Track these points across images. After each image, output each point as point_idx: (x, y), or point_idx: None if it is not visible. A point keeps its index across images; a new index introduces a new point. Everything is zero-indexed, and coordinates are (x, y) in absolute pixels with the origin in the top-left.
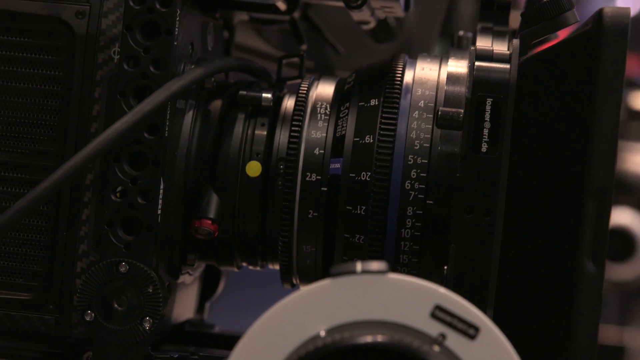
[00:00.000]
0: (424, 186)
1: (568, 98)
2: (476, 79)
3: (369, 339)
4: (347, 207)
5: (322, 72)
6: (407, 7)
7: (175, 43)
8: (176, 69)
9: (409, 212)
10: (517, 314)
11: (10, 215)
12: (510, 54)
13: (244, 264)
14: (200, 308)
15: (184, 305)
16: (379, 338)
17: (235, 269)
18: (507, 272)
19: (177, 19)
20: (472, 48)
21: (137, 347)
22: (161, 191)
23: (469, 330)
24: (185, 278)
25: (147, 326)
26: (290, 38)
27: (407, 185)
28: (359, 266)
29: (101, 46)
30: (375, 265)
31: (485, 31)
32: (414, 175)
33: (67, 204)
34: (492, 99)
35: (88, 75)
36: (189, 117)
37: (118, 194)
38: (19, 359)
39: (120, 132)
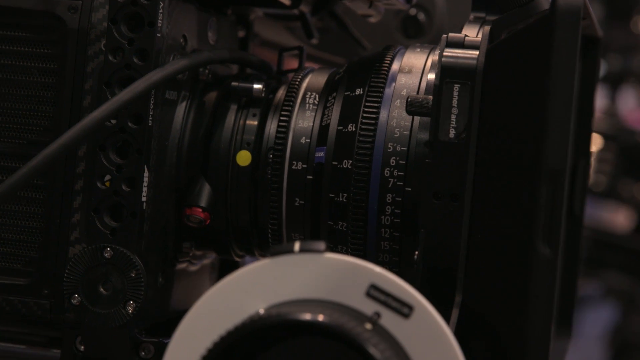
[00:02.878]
0: (402, 173)
1: (528, 83)
2: (443, 65)
3: (302, 316)
4: (330, 195)
5: None
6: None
7: (159, 35)
8: (163, 60)
9: (389, 199)
10: (484, 298)
11: None
12: (480, 41)
13: (242, 253)
14: None
15: (189, 293)
16: (312, 316)
17: (236, 258)
18: (475, 257)
19: (161, 11)
20: (444, 36)
21: (122, 330)
22: (146, 179)
23: (403, 309)
24: (186, 266)
25: (129, 309)
26: (322, 35)
27: (387, 173)
28: (297, 245)
29: (92, 39)
30: (313, 244)
31: (477, 20)
32: (393, 162)
33: (60, 193)
34: (459, 85)
35: (80, 67)
36: (181, 108)
37: (107, 183)
38: (20, 343)
39: (98, 120)
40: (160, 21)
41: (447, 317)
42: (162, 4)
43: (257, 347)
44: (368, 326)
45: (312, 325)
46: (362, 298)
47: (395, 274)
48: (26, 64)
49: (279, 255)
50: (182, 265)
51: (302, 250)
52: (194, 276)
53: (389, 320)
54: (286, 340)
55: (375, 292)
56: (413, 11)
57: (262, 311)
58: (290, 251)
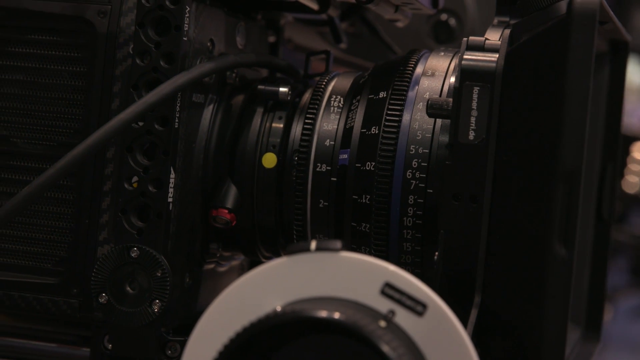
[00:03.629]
0: (424, 175)
1: (546, 85)
2: (463, 68)
3: (318, 314)
4: (354, 197)
5: None
6: (434, 4)
7: (185, 38)
8: (190, 63)
9: (411, 201)
10: (502, 298)
11: (17, 201)
12: (500, 44)
13: (269, 254)
14: None
15: (217, 294)
16: (327, 314)
17: (263, 260)
18: (493, 257)
19: (187, 15)
20: (464, 39)
21: (148, 329)
22: (172, 180)
23: (417, 307)
24: (214, 267)
25: (155, 308)
26: (357, 40)
27: (409, 175)
28: (313, 244)
29: (120, 43)
30: (329, 243)
31: (500, 25)
32: (415, 164)
33: (89, 194)
34: (478, 88)
35: (108, 70)
36: (208, 111)
37: (135, 184)
38: (51, 341)
39: (124, 122)
40: (186, 25)
41: (466, 317)
42: (188, 9)
43: (272, 345)
44: (382, 324)
45: (327, 322)
46: (376, 296)
47: (417, 274)
48: (57, 67)
49: (295, 254)
50: (210, 266)
51: (318, 249)
52: (223, 277)
53: (403, 318)
54: (301, 338)
55: (390, 291)
56: (444, 16)
57: (278, 308)
58: (307, 250)
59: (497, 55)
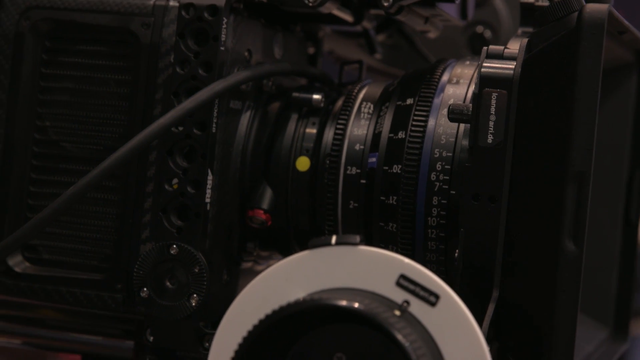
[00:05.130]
0: (448, 177)
1: (558, 91)
2: (482, 75)
3: (337, 302)
4: (381, 198)
5: None
6: (463, 15)
7: (223, 48)
8: (227, 72)
9: (435, 202)
10: (518, 292)
11: (63, 200)
12: (518, 53)
13: None
14: None
15: None
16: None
17: None
18: (511, 254)
19: (224, 26)
20: (484, 48)
21: (187, 322)
22: (210, 182)
23: (430, 298)
24: (252, 266)
25: (193, 302)
26: (394, 51)
27: (433, 177)
28: (333, 239)
29: (162, 53)
30: (348, 238)
31: (523, 35)
32: (439, 167)
33: (132, 194)
34: (497, 94)
35: (151, 79)
36: (246, 117)
37: (175, 185)
38: (97, 335)
39: (162, 126)
40: (223, 36)
41: (484, 311)
42: (225, 20)
43: (294, 334)
44: (397, 313)
45: (346, 310)
46: (392, 287)
47: (441, 272)
48: (104, 75)
49: (317, 248)
50: (248, 265)
51: (338, 243)
52: None
53: (417, 308)
54: (321, 327)
55: (405, 282)
56: (480, 29)
57: (301, 298)
58: (328, 244)
59: (515, 63)
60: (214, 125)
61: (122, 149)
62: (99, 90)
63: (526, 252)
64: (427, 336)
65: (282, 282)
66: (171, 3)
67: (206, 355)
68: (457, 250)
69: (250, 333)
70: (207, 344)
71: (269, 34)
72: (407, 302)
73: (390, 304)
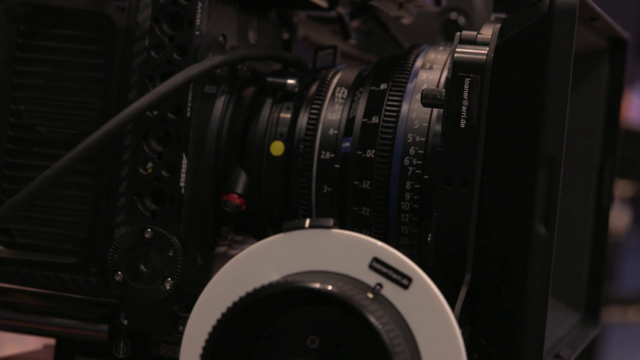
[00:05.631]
0: (421, 162)
1: (530, 76)
2: (455, 61)
3: (311, 285)
4: (355, 182)
5: None
6: (437, 2)
7: (197, 32)
8: (202, 56)
9: (408, 187)
10: (490, 276)
11: (37, 183)
12: (490, 38)
13: None
14: None
15: None
16: (321, 285)
17: None
18: (483, 239)
19: (199, 11)
20: (458, 33)
21: (162, 306)
22: (184, 166)
23: (403, 281)
24: (226, 250)
25: (167, 286)
26: (368, 37)
27: (406, 162)
28: (307, 222)
29: (137, 37)
30: (322, 221)
31: (497, 21)
32: (412, 152)
33: (107, 179)
34: (469, 79)
35: (126, 63)
36: (220, 101)
37: (150, 169)
38: (70, 319)
39: (137, 110)
40: (198, 20)
41: (457, 295)
42: (200, 5)
43: (267, 316)
44: (370, 295)
45: (319, 292)
46: (365, 270)
47: (414, 256)
48: (78, 59)
49: (291, 231)
50: (222, 249)
51: (312, 226)
52: None
53: (390, 291)
54: (293, 310)
55: (378, 265)
56: (453, 15)
57: (275, 281)
58: (302, 227)
59: (487, 49)
60: (189, 109)
61: (96, 133)
62: (73, 74)
63: (498, 236)
64: (400, 319)
65: (256, 265)
66: None
67: (180, 339)
68: (430, 235)
69: (224, 315)
70: (181, 328)
71: (243, 18)
72: (380, 285)
73: (363, 286)
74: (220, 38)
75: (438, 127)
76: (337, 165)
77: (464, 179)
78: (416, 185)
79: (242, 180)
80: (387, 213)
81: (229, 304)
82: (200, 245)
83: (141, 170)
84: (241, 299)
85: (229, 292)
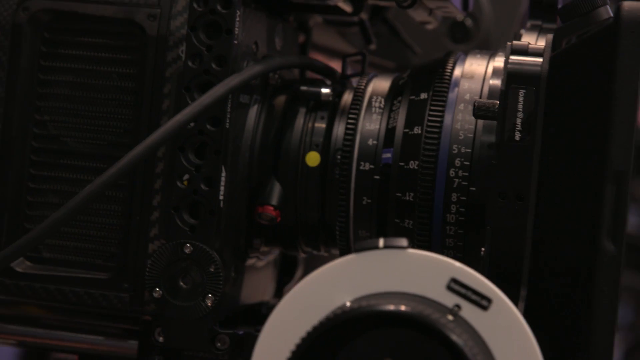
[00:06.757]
0: (467, 174)
1: (592, 89)
2: (510, 72)
3: (388, 307)
4: (397, 194)
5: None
6: (464, 6)
7: (236, 42)
8: (238, 65)
9: (454, 199)
10: (548, 293)
11: (79, 199)
12: (544, 49)
13: (309, 249)
14: (278, 292)
15: (256, 288)
16: (400, 307)
17: (302, 254)
18: (539, 254)
19: (237, 19)
20: (508, 43)
21: (201, 322)
22: (223, 179)
23: (482, 302)
24: (254, 262)
25: (209, 303)
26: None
27: (452, 173)
28: (381, 242)
29: (170, 46)
30: (396, 241)
31: (534, 28)
32: (458, 163)
33: (140, 191)
34: (524, 91)
35: (158, 72)
36: (253, 111)
37: (185, 182)
38: (100, 335)
39: (181, 123)
40: (237, 29)
41: None
42: (238, 12)
43: (343, 338)
44: (450, 317)
45: (397, 315)
46: (443, 291)
47: None
48: (107, 69)
49: (364, 251)
50: (252, 261)
51: (386, 246)
52: (262, 271)
53: (469, 312)
54: (371, 332)
55: (456, 286)
56: (460, 17)
57: (348, 304)
58: (375, 247)
59: (542, 59)
60: (228, 120)
61: (140, 146)
62: (101, 84)
63: (557, 251)
64: (480, 340)
65: (329, 286)
66: None
67: (219, 356)
68: (482, 249)
69: (304, 340)
70: (219, 344)
71: (271, 25)
72: (458, 306)
73: (441, 308)
74: (253, 46)
75: (484, 138)
76: (377, 177)
77: (518, 192)
78: (462, 197)
79: (276, 191)
80: (431, 225)
81: (303, 326)
82: (234, 259)
83: (178, 184)
84: (322, 323)
85: (302, 314)
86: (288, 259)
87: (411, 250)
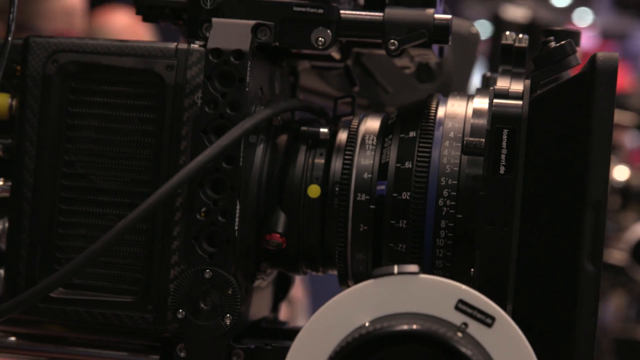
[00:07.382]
0: (454, 203)
1: (570, 128)
2: (494, 114)
3: (405, 327)
4: (391, 222)
5: (373, 109)
6: (440, 53)
7: (247, 89)
8: (248, 110)
9: (442, 225)
10: (531, 308)
11: (114, 233)
12: (523, 92)
13: (308, 270)
14: (274, 308)
15: (260, 305)
16: (414, 326)
17: (302, 275)
18: (523, 273)
19: (248, 69)
20: (491, 88)
21: (220, 340)
22: (238, 211)
23: (487, 320)
24: (260, 283)
25: (227, 322)
26: (346, 80)
27: (441, 202)
28: (396, 269)
29: (187, 93)
30: (409, 267)
31: (506, 73)
32: (446, 194)
33: (161, 223)
34: (507, 130)
35: (177, 117)
36: (260, 149)
37: (202, 214)
38: (125, 351)
39: (202, 163)
40: (248, 77)
41: None
42: (249, 63)
43: (365, 356)
44: (459, 334)
45: (413, 333)
46: (451, 311)
47: None
48: (128, 114)
49: (380, 277)
50: (258, 282)
51: (400, 272)
52: (265, 290)
53: (475, 329)
54: (388, 349)
55: (463, 306)
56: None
57: (367, 323)
58: (390, 273)
59: (522, 102)
60: (241, 159)
61: (167, 184)
62: (124, 127)
63: (540, 271)
64: (486, 354)
65: (350, 308)
66: (193, 46)
67: None
68: (472, 269)
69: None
70: (235, 358)
71: (272, 71)
72: (466, 324)
73: (450, 325)
74: (259, 91)
75: (469, 171)
76: (372, 206)
77: (504, 219)
78: (450, 224)
79: (282, 220)
80: (422, 248)
81: (328, 345)
82: (245, 281)
83: (197, 216)
84: (348, 344)
85: (326, 334)
86: (283, 277)
87: (422, 276)
